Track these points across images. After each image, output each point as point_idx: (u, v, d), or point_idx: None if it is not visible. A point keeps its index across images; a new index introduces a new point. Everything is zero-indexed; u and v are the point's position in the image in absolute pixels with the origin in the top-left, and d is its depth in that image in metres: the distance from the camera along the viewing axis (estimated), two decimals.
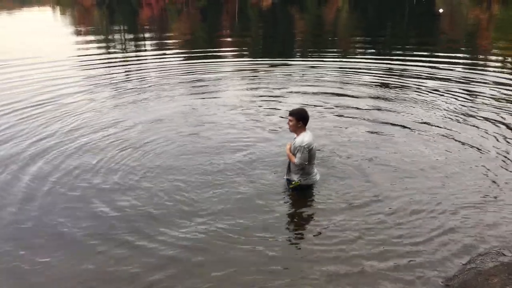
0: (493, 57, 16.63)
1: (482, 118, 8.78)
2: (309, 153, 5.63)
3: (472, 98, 10.28)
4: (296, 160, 5.66)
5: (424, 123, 8.54)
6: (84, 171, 6.52)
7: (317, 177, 5.95)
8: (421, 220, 5.20)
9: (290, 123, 5.69)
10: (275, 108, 9.51)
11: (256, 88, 11.46)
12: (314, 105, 9.64)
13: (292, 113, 5.68)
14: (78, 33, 25.92)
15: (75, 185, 6.16)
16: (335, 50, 18.88)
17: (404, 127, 8.34)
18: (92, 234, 5.05)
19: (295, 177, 5.83)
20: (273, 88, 11.37)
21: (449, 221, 5.19)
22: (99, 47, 19.63)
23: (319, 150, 6.56)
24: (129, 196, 5.84)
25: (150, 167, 6.62)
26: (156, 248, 4.78)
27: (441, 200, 5.63)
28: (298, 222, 5.40)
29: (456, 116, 8.95)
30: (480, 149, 7.23)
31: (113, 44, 21.38)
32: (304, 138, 5.61)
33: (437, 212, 5.37)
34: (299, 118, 5.63)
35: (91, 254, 4.71)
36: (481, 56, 17.01)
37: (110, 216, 5.40)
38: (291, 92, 10.96)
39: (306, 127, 5.74)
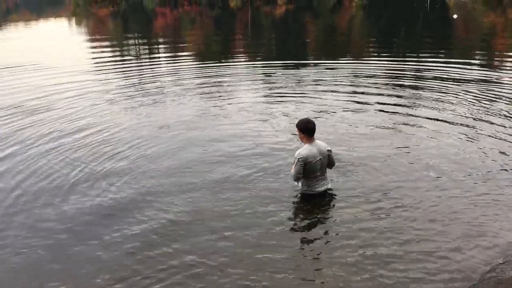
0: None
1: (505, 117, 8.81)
2: (306, 166, 5.58)
3: (491, 99, 10.20)
4: (291, 171, 5.71)
5: (443, 125, 8.47)
6: (65, 179, 6.38)
7: (322, 188, 5.80)
8: (438, 228, 5.05)
9: (298, 134, 5.85)
10: (288, 114, 9.42)
11: (270, 94, 11.39)
12: (330, 111, 9.55)
13: (296, 124, 5.81)
14: (92, 41, 26.30)
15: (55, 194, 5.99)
16: (349, 54, 18.84)
17: (424, 130, 8.29)
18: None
19: (299, 184, 5.85)
20: (287, 93, 11.31)
21: (467, 228, 5.04)
22: (112, 55, 19.81)
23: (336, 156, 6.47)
24: (128, 215, 5.53)
25: (151, 176, 6.49)
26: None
27: (460, 207, 5.48)
28: (297, 232, 5.19)
29: (477, 117, 8.85)
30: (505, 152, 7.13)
31: (126, 51, 21.68)
32: (302, 150, 5.62)
33: (456, 219, 5.22)
34: (300, 129, 5.72)
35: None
36: (497, 59, 16.87)
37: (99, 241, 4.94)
38: (305, 97, 10.87)
39: (315, 137, 5.74)
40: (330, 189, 5.90)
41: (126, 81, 13.39)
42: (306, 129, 5.66)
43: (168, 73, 14.74)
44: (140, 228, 5.18)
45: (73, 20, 45.29)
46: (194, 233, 5.08)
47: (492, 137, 7.82)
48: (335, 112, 9.47)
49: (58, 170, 6.71)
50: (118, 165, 6.88)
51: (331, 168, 6.03)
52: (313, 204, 5.69)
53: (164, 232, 5.08)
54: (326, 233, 5.10)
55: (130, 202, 5.80)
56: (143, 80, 13.46)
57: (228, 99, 10.93)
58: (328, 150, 5.79)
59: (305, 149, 5.64)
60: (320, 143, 5.80)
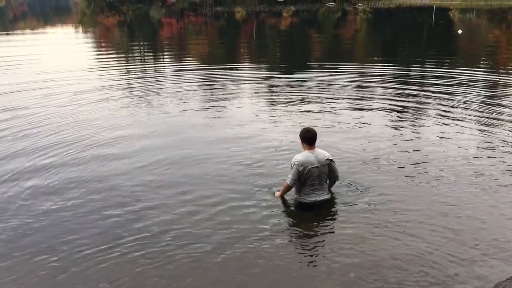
0: None
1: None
2: (302, 173, 5.50)
3: (497, 104, 10.38)
4: (289, 176, 5.61)
5: (448, 130, 8.41)
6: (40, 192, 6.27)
7: (318, 198, 5.67)
8: (441, 243, 4.84)
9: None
10: (289, 122, 9.35)
11: (273, 103, 11.31)
12: (333, 118, 9.53)
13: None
14: (98, 48, 26.47)
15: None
16: (353, 65, 18.84)
17: (429, 136, 8.27)
18: None
19: (295, 193, 5.76)
20: (290, 103, 11.22)
21: (472, 244, 4.83)
22: (117, 61, 19.92)
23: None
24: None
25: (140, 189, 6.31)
26: None
27: (465, 221, 5.29)
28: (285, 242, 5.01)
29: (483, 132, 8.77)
30: None
31: (130, 56, 21.85)
32: (298, 156, 5.59)
33: (458, 236, 5.00)
34: (300, 138, 5.72)
35: None
36: (501, 67, 16.91)
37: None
38: (308, 106, 10.81)
39: (316, 145, 5.70)
40: (329, 200, 5.74)
41: (126, 84, 13.50)
42: (305, 138, 5.65)
43: (171, 77, 14.82)
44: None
45: (80, 28, 45.64)
46: (182, 242, 4.92)
47: (502, 140, 7.83)
48: (337, 120, 9.39)
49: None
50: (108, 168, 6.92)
51: (337, 179, 5.92)
52: (308, 212, 5.56)
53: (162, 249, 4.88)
54: (318, 241, 4.99)
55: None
56: (141, 84, 13.52)
57: (229, 106, 10.90)
58: (328, 159, 5.66)
59: (301, 155, 5.60)
60: (321, 151, 5.71)
